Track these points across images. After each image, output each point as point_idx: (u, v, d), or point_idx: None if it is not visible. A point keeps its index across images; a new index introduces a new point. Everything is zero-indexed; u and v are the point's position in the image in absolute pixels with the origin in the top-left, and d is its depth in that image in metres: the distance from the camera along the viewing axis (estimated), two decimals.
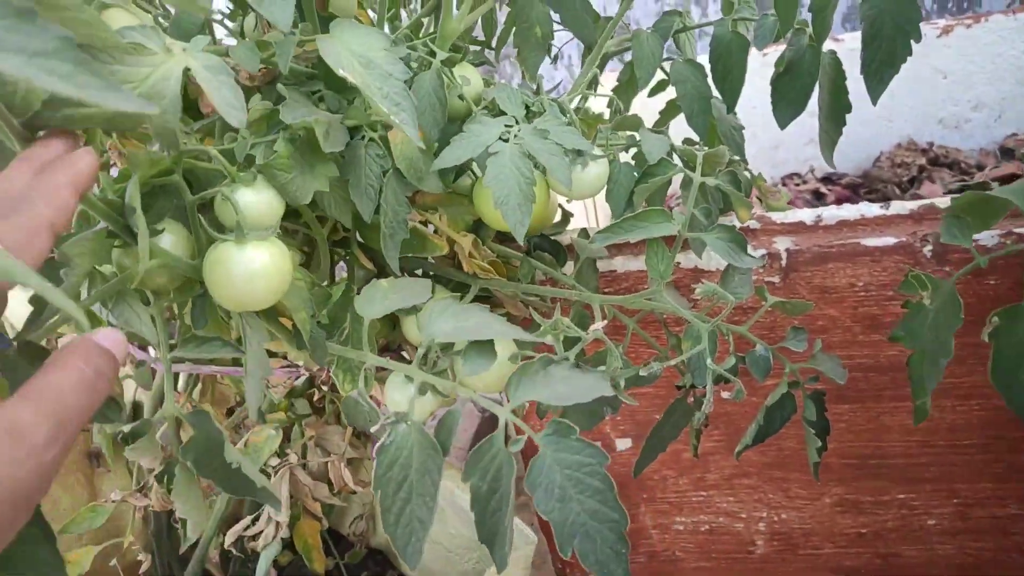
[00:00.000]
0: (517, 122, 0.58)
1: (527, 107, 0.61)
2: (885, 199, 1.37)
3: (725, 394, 0.56)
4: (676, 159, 0.64)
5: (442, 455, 0.44)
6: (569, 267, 0.73)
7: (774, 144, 1.50)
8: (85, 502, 0.96)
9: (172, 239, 0.51)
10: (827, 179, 1.51)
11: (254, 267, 0.49)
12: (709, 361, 0.54)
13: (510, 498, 0.43)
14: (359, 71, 0.49)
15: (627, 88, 0.77)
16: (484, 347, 0.51)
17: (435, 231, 0.67)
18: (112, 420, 0.43)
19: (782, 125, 0.70)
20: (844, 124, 0.72)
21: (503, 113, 0.60)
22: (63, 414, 0.34)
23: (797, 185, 1.50)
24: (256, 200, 0.52)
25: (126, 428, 0.52)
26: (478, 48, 0.77)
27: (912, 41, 0.55)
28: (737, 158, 0.72)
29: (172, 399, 0.52)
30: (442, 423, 0.46)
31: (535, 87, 0.66)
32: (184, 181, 0.48)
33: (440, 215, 0.67)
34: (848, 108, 0.70)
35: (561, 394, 0.45)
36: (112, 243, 0.47)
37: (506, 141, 0.56)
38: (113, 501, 0.76)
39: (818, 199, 1.46)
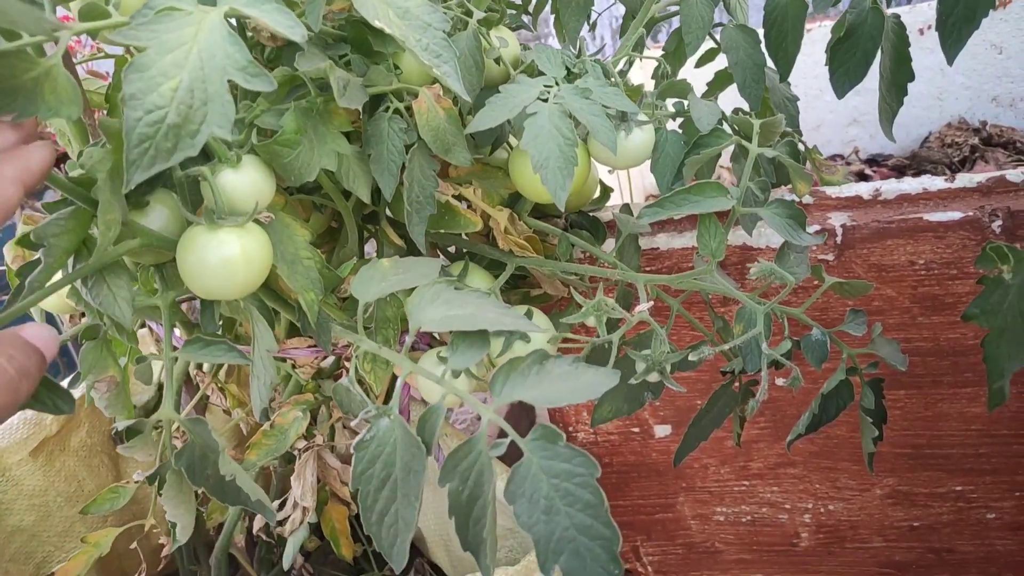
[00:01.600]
0: (557, 83, 0.54)
1: (568, 69, 0.57)
2: None
3: (780, 381, 0.52)
4: (727, 128, 0.60)
5: (425, 453, 0.41)
6: (608, 244, 0.69)
7: (815, 124, 1.45)
8: (110, 484, 0.94)
9: (166, 213, 0.48)
10: (872, 161, 1.45)
11: (225, 255, 0.45)
12: (764, 346, 0.50)
13: (492, 505, 0.39)
14: (396, 22, 0.45)
15: (674, 58, 0.73)
16: (473, 338, 0.46)
17: (469, 206, 0.64)
18: (63, 411, 0.41)
19: (840, 95, 0.66)
20: (906, 94, 0.67)
21: (542, 75, 0.56)
22: None
23: (841, 167, 1.44)
24: (237, 181, 0.48)
25: (120, 426, 0.49)
26: (514, 12, 0.73)
27: None
28: (790, 130, 0.68)
29: (171, 402, 0.49)
30: (423, 421, 0.42)
31: (576, 51, 0.62)
32: None
33: (474, 188, 0.63)
34: (911, 77, 0.65)
35: (554, 394, 0.40)
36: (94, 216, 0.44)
37: (545, 101, 0.53)
38: (136, 482, 0.74)
39: (863, 181, 1.40)
